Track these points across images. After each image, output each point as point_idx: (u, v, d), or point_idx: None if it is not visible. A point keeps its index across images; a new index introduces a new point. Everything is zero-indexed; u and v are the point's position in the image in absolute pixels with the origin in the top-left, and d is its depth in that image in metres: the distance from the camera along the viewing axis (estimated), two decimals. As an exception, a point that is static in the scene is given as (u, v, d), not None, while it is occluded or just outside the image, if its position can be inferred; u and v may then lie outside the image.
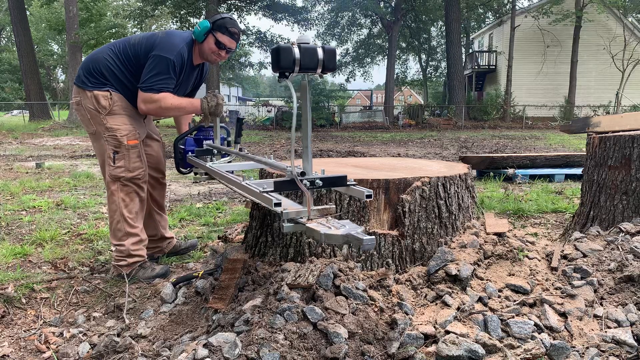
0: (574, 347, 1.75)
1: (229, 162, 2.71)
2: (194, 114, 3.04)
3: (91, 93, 2.74)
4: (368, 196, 1.70)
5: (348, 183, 1.80)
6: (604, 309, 1.93)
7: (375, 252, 2.12)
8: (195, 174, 2.82)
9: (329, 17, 32.80)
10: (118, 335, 2.07)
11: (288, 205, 1.70)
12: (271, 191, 1.69)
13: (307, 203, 1.67)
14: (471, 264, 2.06)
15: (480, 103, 28.63)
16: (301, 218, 1.66)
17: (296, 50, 1.60)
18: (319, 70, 1.65)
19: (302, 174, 1.71)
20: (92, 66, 2.77)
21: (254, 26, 31.84)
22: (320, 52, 1.63)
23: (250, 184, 1.85)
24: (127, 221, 2.79)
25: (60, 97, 41.13)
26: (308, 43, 1.63)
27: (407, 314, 1.85)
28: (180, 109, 2.77)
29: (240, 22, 23.14)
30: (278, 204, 1.61)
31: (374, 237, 1.48)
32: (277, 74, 1.65)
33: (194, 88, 3.08)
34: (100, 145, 2.80)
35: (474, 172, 6.75)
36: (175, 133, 3.26)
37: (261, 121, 26.23)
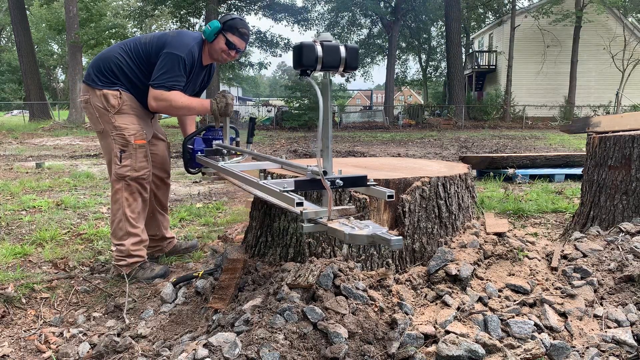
0: (574, 347, 1.75)
1: (238, 162, 2.70)
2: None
3: (100, 92, 2.75)
4: (390, 197, 1.68)
5: (368, 183, 1.79)
6: (604, 309, 1.93)
7: (375, 252, 2.11)
8: (203, 173, 2.83)
9: (329, 17, 32.80)
10: (118, 335, 2.07)
11: (307, 206, 1.69)
12: (292, 191, 1.68)
13: (327, 203, 1.65)
14: (471, 264, 2.06)
15: (480, 103, 28.63)
16: (320, 218, 1.64)
17: (319, 48, 1.58)
18: (341, 69, 1.64)
19: (324, 173, 1.70)
20: (102, 65, 2.78)
21: (254, 26, 31.80)
22: (342, 50, 1.62)
23: (268, 183, 1.83)
24: (129, 221, 2.79)
25: (60, 97, 41.15)
26: (330, 41, 1.61)
27: (407, 314, 1.85)
28: (191, 109, 2.78)
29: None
30: (300, 204, 1.58)
31: (401, 237, 1.45)
32: (299, 72, 1.62)
33: (200, 89, 3.09)
34: (108, 144, 2.81)
35: (474, 172, 6.75)
36: (176, 133, 3.26)
37: (261, 121, 26.23)
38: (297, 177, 1.99)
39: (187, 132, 3.14)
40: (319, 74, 1.69)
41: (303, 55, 1.57)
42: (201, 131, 2.88)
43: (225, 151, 2.75)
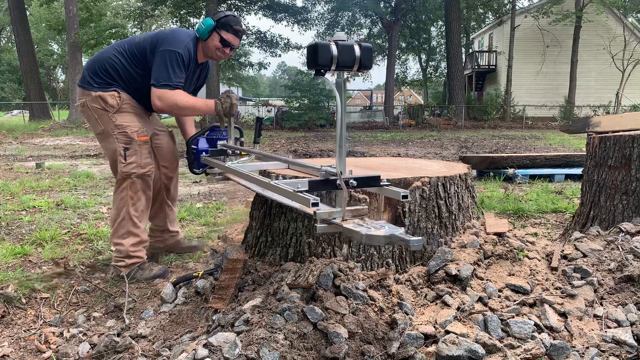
0: (574, 347, 1.75)
1: (245, 162, 2.70)
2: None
3: (96, 94, 2.75)
4: (404, 197, 1.67)
5: (381, 183, 1.79)
6: (604, 309, 1.93)
7: (375, 252, 2.11)
8: (207, 174, 2.82)
9: (329, 17, 32.79)
10: (118, 335, 2.07)
11: (319, 206, 1.68)
12: (305, 191, 1.67)
13: (342, 203, 1.64)
14: (471, 264, 2.06)
15: (480, 103, 28.62)
16: (334, 219, 1.63)
17: (334, 48, 1.58)
18: (356, 68, 1.63)
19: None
20: (97, 66, 2.79)
21: (254, 26, 31.85)
22: (357, 49, 1.62)
23: (280, 183, 1.81)
24: (132, 219, 2.80)
25: (60, 97, 41.14)
26: (345, 40, 1.61)
27: (407, 314, 1.85)
28: (196, 109, 2.76)
29: (240, 22, 23.15)
30: (315, 204, 1.57)
31: (421, 237, 1.44)
32: (313, 72, 1.62)
33: (196, 88, 3.08)
34: (110, 144, 2.81)
35: (474, 172, 6.75)
36: (176, 133, 3.26)
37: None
38: (297, 177, 1.99)
39: (187, 133, 3.13)
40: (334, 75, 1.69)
41: (318, 55, 1.57)
42: (205, 131, 2.88)
43: (230, 151, 2.75)
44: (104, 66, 2.77)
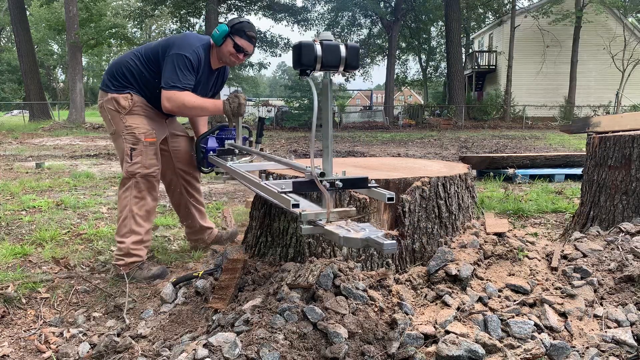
0: (574, 347, 1.75)
1: (250, 161, 2.73)
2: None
3: (112, 95, 2.85)
4: (390, 199, 1.66)
5: (369, 185, 1.78)
6: (604, 309, 1.93)
7: (375, 252, 2.11)
8: (217, 173, 2.87)
9: (329, 17, 32.77)
10: (118, 335, 2.07)
11: (307, 207, 1.66)
12: (289, 192, 1.66)
13: (326, 205, 1.64)
14: (471, 264, 2.06)
15: (480, 103, 28.62)
16: (320, 220, 1.62)
17: (318, 47, 1.57)
18: (341, 68, 1.62)
19: (322, 174, 1.68)
20: (115, 70, 2.89)
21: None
22: (342, 49, 1.61)
23: (268, 184, 1.82)
24: (135, 218, 2.83)
25: (60, 97, 41.13)
26: (330, 40, 1.60)
27: (407, 314, 1.85)
28: (204, 109, 2.82)
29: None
30: (296, 205, 1.57)
31: (394, 241, 1.43)
32: (298, 72, 1.61)
33: (213, 93, 3.13)
34: (120, 144, 2.89)
35: (474, 172, 6.74)
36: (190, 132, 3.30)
37: (261, 121, 26.16)
38: (297, 177, 1.99)
39: (199, 132, 3.19)
40: (319, 74, 1.68)
41: (302, 55, 1.56)
42: (214, 130, 2.94)
43: (236, 151, 2.78)
44: (121, 69, 2.87)
